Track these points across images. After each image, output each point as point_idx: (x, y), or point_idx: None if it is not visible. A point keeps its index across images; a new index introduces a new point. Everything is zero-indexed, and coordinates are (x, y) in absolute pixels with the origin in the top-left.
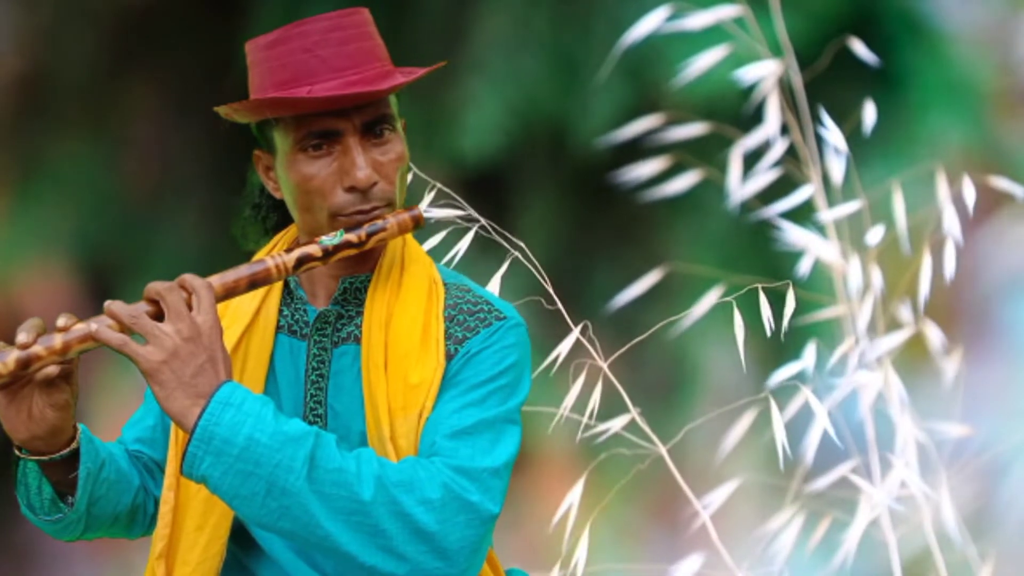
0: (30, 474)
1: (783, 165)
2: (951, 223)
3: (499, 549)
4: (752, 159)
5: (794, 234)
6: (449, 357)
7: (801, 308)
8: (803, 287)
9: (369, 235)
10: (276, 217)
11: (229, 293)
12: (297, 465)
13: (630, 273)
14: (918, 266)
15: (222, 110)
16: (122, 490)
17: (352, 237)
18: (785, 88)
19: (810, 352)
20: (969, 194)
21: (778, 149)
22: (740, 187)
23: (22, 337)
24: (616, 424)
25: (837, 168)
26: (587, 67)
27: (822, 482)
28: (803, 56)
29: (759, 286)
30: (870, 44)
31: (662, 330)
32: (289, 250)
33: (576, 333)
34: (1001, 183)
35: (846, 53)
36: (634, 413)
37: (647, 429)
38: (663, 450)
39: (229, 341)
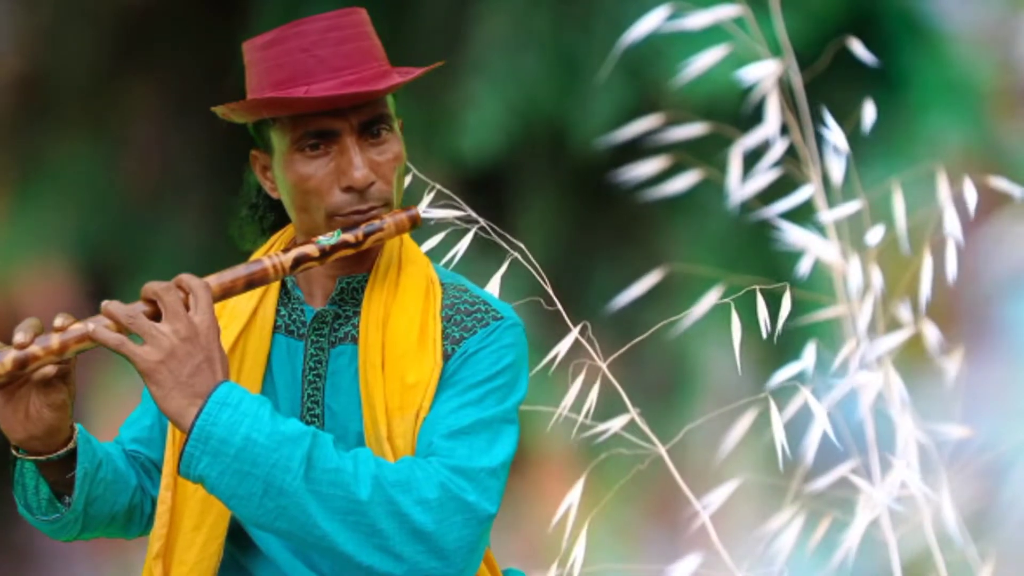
0: (27, 474)
1: (783, 165)
2: (951, 223)
3: (498, 548)
4: (752, 159)
5: (794, 234)
6: (446, 357)
7: (801, 308)
8: (803, 287)
9: (366, 235)
10: (273, 217)
11: (226, 293)
12: (294, 465)
13: (630, 273)
14: (918, 266)
15: (219, 110)
16: (119, 490)
17: (349, 237)
18: (785, 88)
19: (810, 352)
20: (969, 194)
21: (778, 149)
22: (740, 187)
23: (19, 337)
24: (615, 424)
25: (837, 168)
26: (587, 67)
27: (822, 482)
28: (803, 56)
29: (757, 288)
30: (870, 44)
31: (662, 330)
32: (286, 250)
33: (575, 333)
34: (1001, 183)
35: (846, 53)
36: (633, 413)
37: (647, 429)
38: (663, 450)
39: (226, 341)
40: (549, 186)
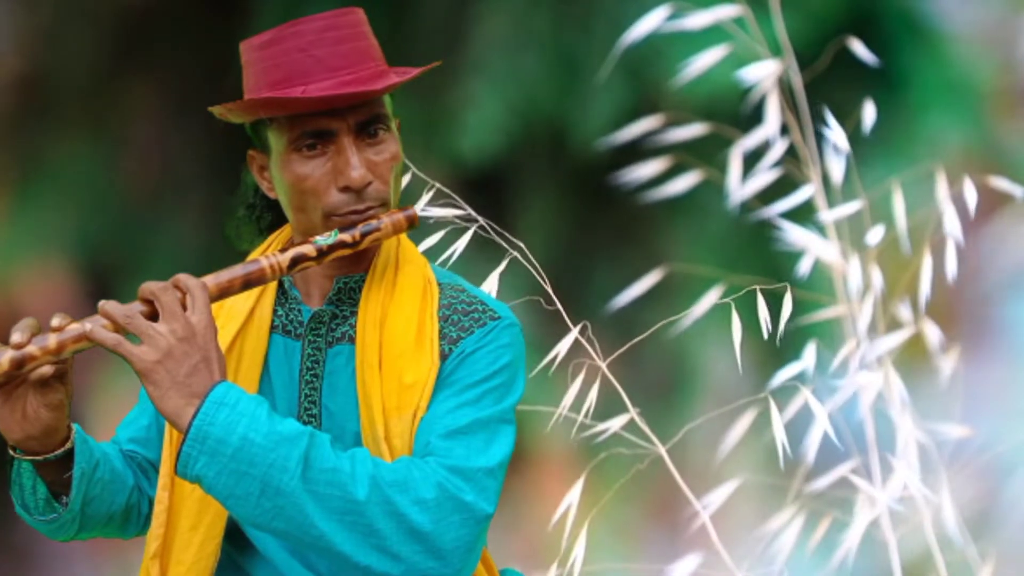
0: (24, 474)
1: (783, 165)
2: (951, 223)
3: (498, 548)
4: (752, 159)
5: (794, 234)
6: (443, 357)
7: (801, 308)
8: (803, 287)
9: (363, 235)
10: (270, 217)
11: (223, 293)
12: (291, 465)
13: (630, 273)
14: (918, 266)
15: (216, 110)
16: (116, 490)
17: (346, 237)
18: (785, 88)
19: (810, 352)
20: (969, 194)
21: (778, 149)
22: (740, 187)
23: (16, 337)
24: (615, 424)
25: (837, 168)
26: (587, 67)
27: (822, 482)
28: (803, 56)
29: (757, 288)
30: (870, 44)
31: (662, 330)
32: (283, 250)
33: (575, 333)
34: (1001, 183)
35: (846, 53)
36: (633, 413)
37: (646, 429)
38: (662, 450)
39: (223, 341)
40: (549, 186)
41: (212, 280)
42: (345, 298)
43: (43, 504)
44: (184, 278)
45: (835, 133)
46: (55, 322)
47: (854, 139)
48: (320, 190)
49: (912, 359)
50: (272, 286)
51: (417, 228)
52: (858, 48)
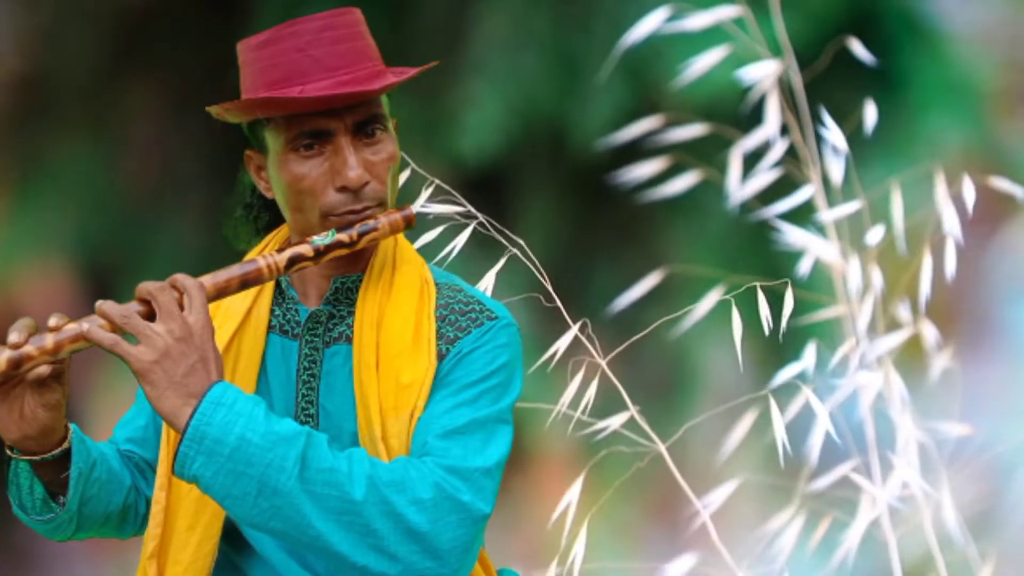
0: (21, 474)
1: (783, 166)
2: (951, 223)
3: (498, 546)
4: (752, 160)
5: (794, 234)
6: (441, 357)
7: (801, 308)
8: (803, 287)
9: (360, 235)
10: (268, 217)
11: (220, 293)
12: (288, 465)
13: (629, 274)
14: (918, 266)
15: (213, 110)
16: (113, 490)
17: (343, 237)
18: (785, 88)
19: (810, 352)
20: (969, 194)
21: (778, 150)
22: (740, 188)
23: (13, 337)
24: (615, 422)
25: (837, 168)
26: (587, 67)
27: (822, 482)
28: (803, 56)
29: (758, 284)
30: (870, 44)
31: (661, 330)
32: (280, 250)
33: (575, 330)
34: (1001, 183)
35: (846, 53)
36: (633, 411)
37: (646, 427)
38: (662, 448)
39: (220, 341)
40: (549, 186)
41: (209, 280)
42: (342, 298)
43: (40, 504)
44: (181, 278)
45: (833, 133)
46: (52, 322)
47: (854, 139)
48: (317, 190)
49: (912, 359)
50: (269, 286)
51: (414, 228)
52: (858, 48)
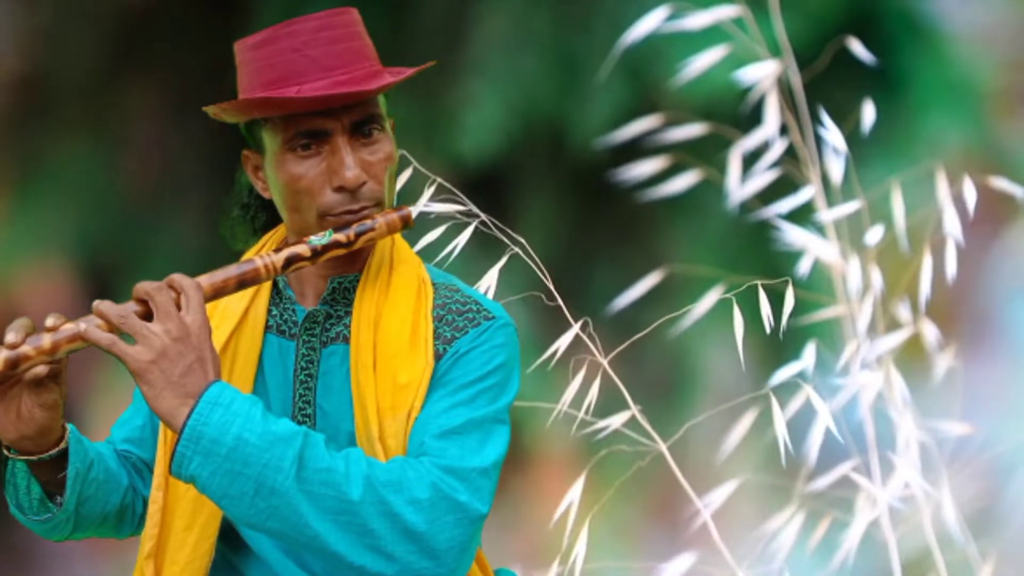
0: (19, 474)
1: (782, 165)
2: (951, 223)
3: (499, 546)
4: (751, 159)
5: (794, 234)
6: (438, 357)
7: (801, 308)
8: (803, 287)
9: (358, 235)
10: (265, 217)
11: (218, 293)
12: (286, 465)
13: (630, 273)
14: (918, 266)
15: (210, 110)
16: (111, 490)
17: (341, 237)
18: (784, 88)
19: (810, 352)
20: (969, 194)
21: (777, 149)
22: (739, 187)
23: (11, 337)
24: (616, 421)
25: (836, 168)
26: (587, 67)
27: (822, 482)
28: (802, 56)
29: (759, 283)
30: (869, 44)
31: (662, 329)
32: (278, 250)
33: (576, 329)
34: (1001, 183)
35: (845, 53)
36: (634, 410)
37: (647, 426)
38: (663, 447)
39: (218, 341)
40: (549, 186)
41: (206, 280)
42: (339, 298)
43: (37, 504)
44: (178, 278)
45: (833, 134)
46: (49, 322)
47: (854, 139)
48: (314, 190)
49: (912, 359)
50: (266, 286)
51: (412, 228)
52: (857, 48)
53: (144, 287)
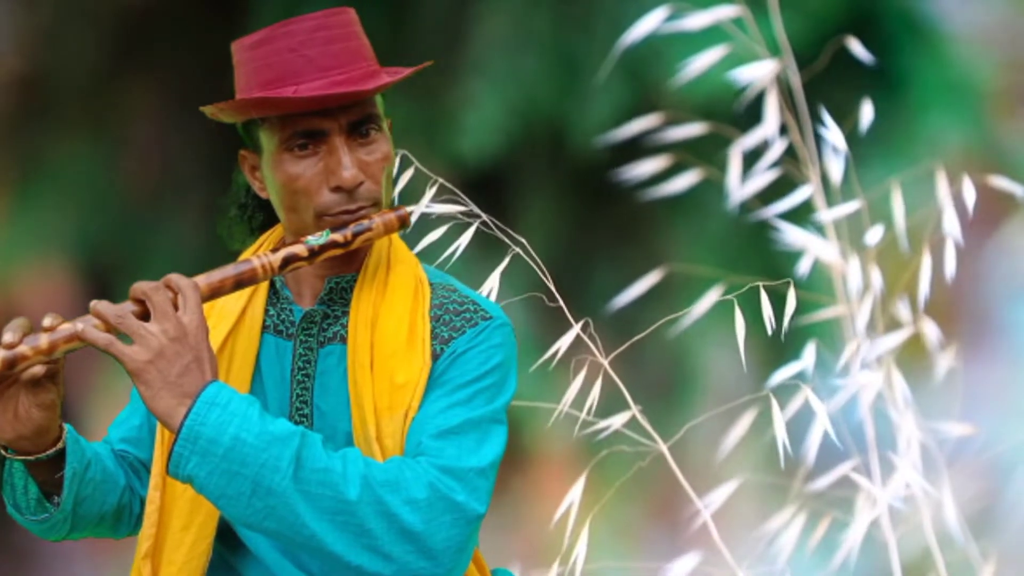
0: (16, 474)
1: (782, 165)
2: (951, 223)
3: (499, 546)
4: (751, 159)
5: (793, 234)
6: (435, 357)
7: (801, 308)
8: (803, 287)
9: (355, 235)
10: (262, 217)
11: (215, 293)
12: (283, 465)
13: (630, 273)
14: (918, 266)
15: (208, 110)
16: (108, 490)
17: (338, 237)
18: (784, 88)
19: (810, 352)
20: (969, 194)
21: (777, 149)
22: (739, 187)
23: (8, 337)
24: (617, 421)
25: (836, 168)
26: (587, 67)
27: (823, 482)
28: (802, 56)
29: (760, 284)
30: (869, 44)
31: (662, 329)
32: (275, 250)
33: (576, 329)
34: (1001, 183)
35: (845, 53)
36: (635, 410)
37: (648, 426)
38: (664, 447)
39: (215, 341)
40: (549, 186)
41: (203, 280)
42: (337, 298)
43: (35, 504)
44: (175, 278)
45: (832, 133)
46: (47, 322)
47: (853, 139)
48: (312, 190)
49: (912, 359)
50: (264, 286)
51: (409, 228)
52: (857, 48)
53: (141, 287)
